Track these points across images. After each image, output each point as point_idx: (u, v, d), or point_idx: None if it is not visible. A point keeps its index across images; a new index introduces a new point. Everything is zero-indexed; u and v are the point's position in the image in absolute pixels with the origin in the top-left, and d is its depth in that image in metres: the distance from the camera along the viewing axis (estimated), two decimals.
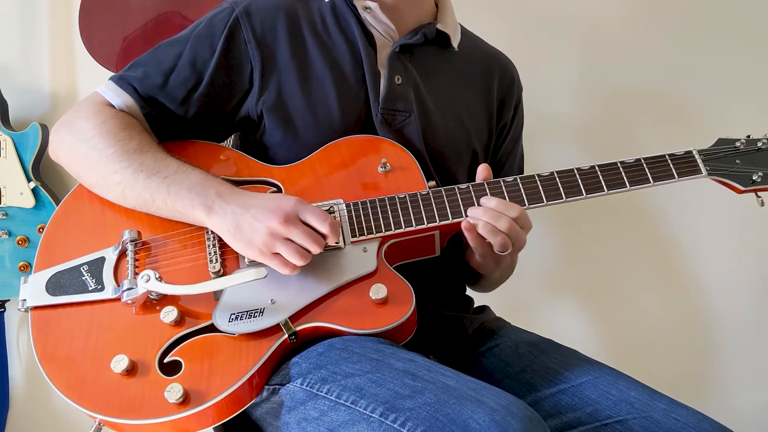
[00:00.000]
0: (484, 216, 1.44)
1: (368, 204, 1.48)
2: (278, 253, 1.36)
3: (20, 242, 2.47)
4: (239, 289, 1.38)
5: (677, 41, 2.57)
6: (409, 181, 1.52)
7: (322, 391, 1.28)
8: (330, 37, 1.63)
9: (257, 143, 1.63)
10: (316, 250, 1.36)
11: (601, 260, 2.65)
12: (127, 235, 1.45)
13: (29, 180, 2.47)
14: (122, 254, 1.45)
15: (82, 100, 1.59)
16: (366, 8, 1.62)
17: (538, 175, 1.50)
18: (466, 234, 1.46)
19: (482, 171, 1.53)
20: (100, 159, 1.47)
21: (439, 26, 1.69)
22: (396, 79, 1.61)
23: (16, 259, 2.47)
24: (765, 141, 1.53)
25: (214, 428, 1.51)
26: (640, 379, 1.47)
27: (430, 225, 1.46)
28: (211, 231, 1.44)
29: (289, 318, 1.36)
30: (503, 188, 1.49)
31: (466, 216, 1.47)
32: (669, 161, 1.50)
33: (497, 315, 1.81)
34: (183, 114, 1.58)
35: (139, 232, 1.46)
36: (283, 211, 1.35)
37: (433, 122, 1.66)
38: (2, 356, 2.64)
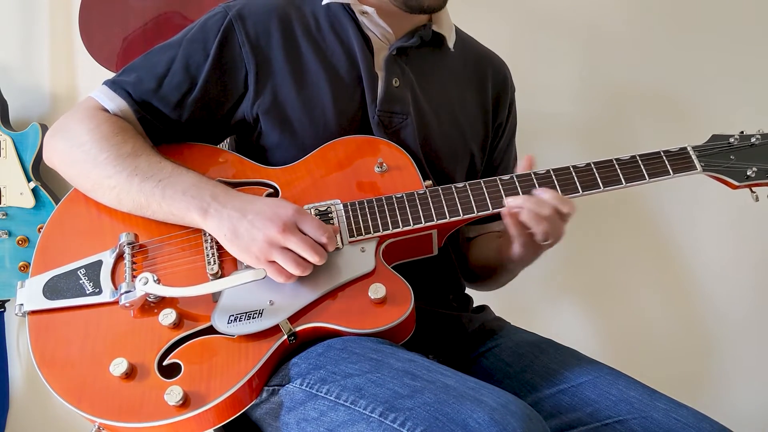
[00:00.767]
0: (527, 203, 1.44)
1: (365, 204, 1.48)
2: (274, 261, 1.36)
3: (20, 242, 2.47)
4: (238, 291, 1.38)
5: (677, 41, 2.57)
6: (405, 181, 1.53)
7: (321, 392, 1.28)
8: (324, 39, 1.63)
9: (253, 145, 1.63)
10: (313, 258, 1.35)
11: (601, 260, 2.66)
12: (124, 238, 1.44)
13: (29, 180, 2.47)
14: (119, 257, 1.45)
15: (76, 105, 1.59)
16: (363, 12, 1.62)
17: (535, 173, 1.50)
18: (506, 221, 1.47)
19: (526, 161, 1.53)
20: (95, 164, 1.47)
21: (434, 28, 1.69)
22: (393, 82, 1.61)
23: (16, 259, 2.48)
24: (758, 137, 1.53)
25: (214, 430, 1.52)
26: (639, 379, 1.47)
27: (428, 224, 1.46)
28: (209, 233, 1.44)
29: (288, 319, 1.36)
30: (500, 186, 1.49)
31: (464, 214, 1.47)
32: (664, 157, 1.51)
33: (497, 315, 1.81)
34: (177, 118, 1.57)
35: (136, 235, 1.46)
36: (281, 219, 1.35)
37: (429, 124, 1.66)
38: (2, 357, 2.64)
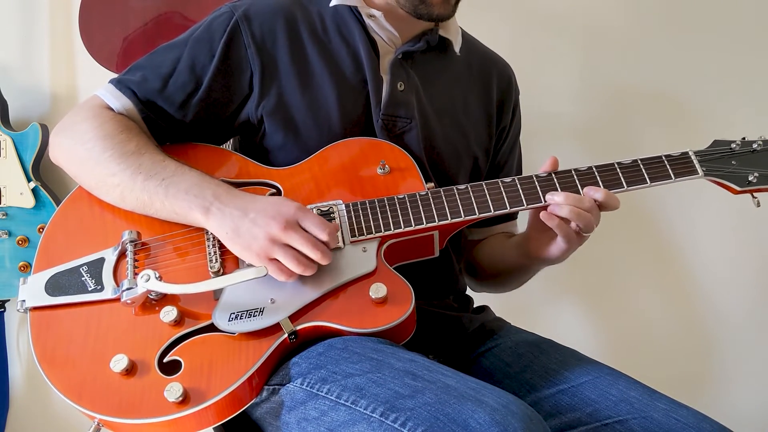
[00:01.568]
0: (568, 200, 1.46)
1: (367, 204, 1.48)
2: (276, 259, 1.36)
3: (20, 242, 2.47)
4: (239, 289, 1.38)
5: (677, 42, 2.57)
6: (407, 183, 1.53)
7: (322, 391, 1.29)
8: (330, 41, 1.63)
9: (257, 146, 1.63)
10: (315, 255, 1.36)
11: (601, 261, 2.65)
12: (126, 236, 1.45)
13: (29, 180, 2.47)
14: (122, 255, 1.45)
15: (81, 102, 1.60)
16: (370, 16, 1.63)
17: (536, 176, 1.51)
18: (549, 222, 1.47)
19: (551, 163, 1.54)
20: (99, 161, 1.47)
21: (441, 32, 1.69)
22: (398, 86, 1.62)
23: (16, 259, 2.48)
24: (760, 143, 1.54)
25: (214, 428, 1.52)
26: (639, 380, 1.48)
27: (429, 225, 1.47)
28: (211, 232, 1.44)
29: (289, 317, 1.37)
30: (501, 188, 1.50)
31: (465, 216, 1.48)
32: (666, 162, 1.51)
33: (497, 315, 1.82)
34: (181, 118, 1.58)
35: (138, 233, 1.46)
36: (283, 217, 1.36)
37: (433, 128, 1.67)
38: (2, 356, 2.64)
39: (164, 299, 1.39)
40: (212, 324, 1.37)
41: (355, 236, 1.45)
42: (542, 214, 1.48)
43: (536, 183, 1.50)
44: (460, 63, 1.76)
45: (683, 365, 2.68)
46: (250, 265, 1.39)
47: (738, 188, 1.52)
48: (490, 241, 1.86)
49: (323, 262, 1.37)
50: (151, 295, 1.38)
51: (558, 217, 1.47)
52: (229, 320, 1.36)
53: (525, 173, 1.54)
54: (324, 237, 1.37)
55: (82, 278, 1.43)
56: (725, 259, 2.63)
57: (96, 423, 1.32)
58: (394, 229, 1.46)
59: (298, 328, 1.37)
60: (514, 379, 1.55)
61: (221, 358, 1.33)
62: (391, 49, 1.66)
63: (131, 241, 1.45)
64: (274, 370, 1.39)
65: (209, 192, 1.42)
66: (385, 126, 1.60)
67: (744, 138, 1.55)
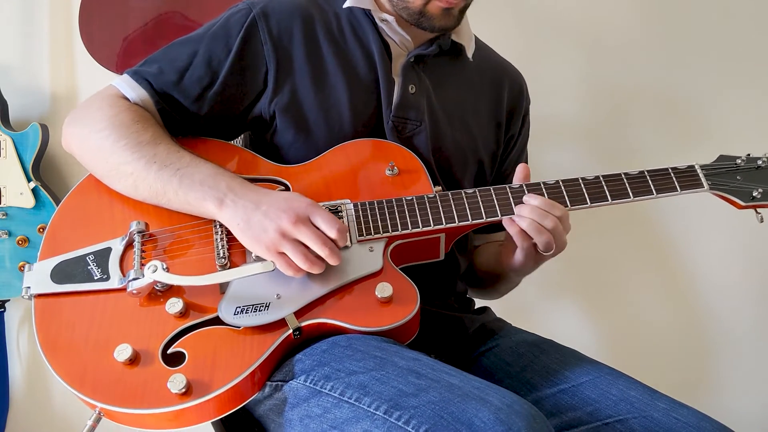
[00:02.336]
0: (532, 214, 1.46)
1: (375, 204, 1.49)
2: (284, 253, 1.36)
3: (20, 242, 2.46)
4: (245, 283, 1.38)
5: (680, 43, 2.60)
6: (416, 185, 1.54)
7: (325, 388, 1.28)
8: (345, 42, 1.65)
9: (267, 143, 1.64)
10: (323, 252, 1.36)
11: (602, 262, 2.66)
12: (134, 226, 1.45)
13: (29, 180, 2.46)
14: (129, 245, 1.45)
15: (97, 92, 1.60)
16: (383, 20, 1.65)
17: (544, 183, 1.52)
18: (510, 230, 1.48)
19: (521, 170, 1.55)
20: (113, 150, 1.47)
21: (453, 37, 1.71)
22: (410, 89, 1.63)
23: (16, 259, 2.47)
24: (765, 159, 1.56)
25: (214, 425, 1.52)
26: (640, 380, 1.48)
27: (437, 227, 1.47)
28: (219, 224, 1.45)
29: (294, 313, 1.37)
30: (509, 194, 1.51)
31: (472, 219, 1.49)
32: (672, 174, 1.53)
33: (498, 316, 1.83)
34: (196, 111, 1.59)
35: (146, 224, 1.47)
36: (295, 211, 1.36)
37: (442, 132, 1.68)
38: (2, 356, 2.62)
39: (170, 290, 1.39)
40: (217, 317, 1.37)
41: (362, 235, 1.46)
42: (504, 220, 1.49)
43: (544, 191, 1.51)
44: (472, 69, 1.78)
45: (683, 365, 2.68)
46: (257, 260, 1.40)
47: (742, 203, 1.54)
48: (484, 248, 1.87)
49: (331, 261, 1.37)
50: (157, 286, 1.38)
51: (519, 226, 1.48)
52: (234, 314, 1.36)
53: (531, 180, 1.54)
54: (333, 234, 1.37)
55: (89, 267, 1.42)
56: (726, 259, 2.65)
57: (97, 412, 1.32)
58: (402, 230, 1.46)
59: (303, 324, 1.37)
60: (515, 379, 1.55)
61: (225, 352, 1.33)
62: (404, 52, 1.67)
63: (139, 232, 1.45)
64: (277, 366, 1.39)
65: (224, 184, 1.42)
66: (395, 128, 1.61)
67: (749, 154, 1.57)
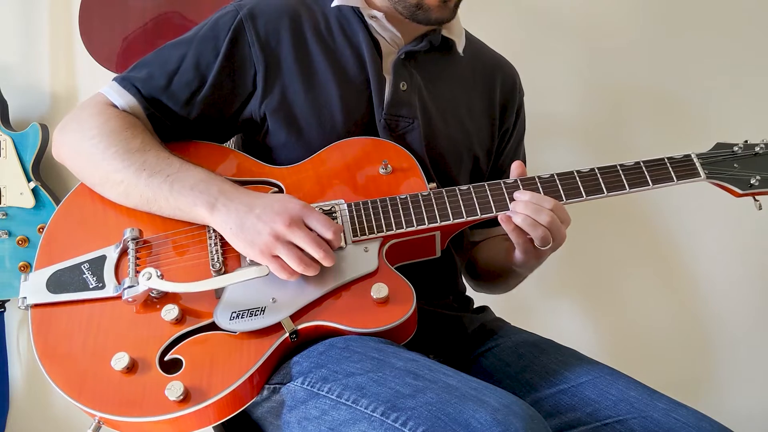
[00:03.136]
0: (525, 209, 1.45)
1: (369, 204, 1.48)
2: (278, 256, 1.36)
3: (20, 242, 2.47)
4: (241, 287, 1.38)
5: (678, 41, 2.58)
6: (410, 183, 1.53)
7: (323, 390, 1.28)
8: (334, 41, 1.64)
9: (260, 144, 1.63)
10: (318, 254, 1.35)
11: (602, 261, 2.66)
12: (128, 234, 1.45)
13: (29, 180, 2.47)
14: (123, 253, 1.45)
15: (86, 100, 1.60)
16: (372, 17, 1.63)
17: (539, 177, 1.51)
18: (505, 227, 1.47)
19: (516, 168, 1.53)
20: (103, 158, 1.47)
21: (444, 33, 1.70)
22: (401, 86, 1.62)
23: (16, 259, 2.48)
24: (763, 146, 1.54)
25: (214, 428, 1.52)
26: (639, 380, 1.48)
27: (431, 225, 1.47)
28: (213, 229, 1.44)
29: (290, 316, 1.36)
30: (503, 189, 1.50)
31: (467, 216, 1.48)
32: (668, 164, 1.51)
33: (497, 315, 1.82)
34: (186, 115, 1.58)
35: (140, 231, 1.46)
36: (289, 214, 1.36)
37: (435, 128, 1.67)
38: (2, 356, 2.64)
39: (166, 297, 1.39)
40: (213, 323, 1.36)
41: (357, 236, 1.45)
42: (500, 217, 1.48)
43: (539, 185, 1.50)
44: (464, 64, 1.77)
45: (683, 366, 2.68)
46: (252, 264, 1.39)
47: (740, 191, 1.52)
48: (488, 242, 1.86)
49: (326, 262, 1.37)
50: (153, 293, 1.38)
51: (513, 223, 1.47)
52: (230, 319, 1.36)
53: (528, 174, 1.53)
54: (329, 235, 1.37)
55: (84, 275, 1.42)
56: (726, 259, 2.63)
57: (96, 421, 1.32)
58: (396, 229, 1.46)
59: (300, 327, 1.36)
60: (514, 379, 1.55)
61: (222, 357, 1.33)
62: (394, 50, 1.66)
63: (133, 239, 1.45)
64: (275, 368, 1.39)
65: (215, 188, 1.42)
66: (387, 126, 1.60)
67: (746, 141, 1.56)
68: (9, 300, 2.60)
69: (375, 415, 1.19)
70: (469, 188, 1.51)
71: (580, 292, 2.73)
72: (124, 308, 1.39)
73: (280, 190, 1.53)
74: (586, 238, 2.57)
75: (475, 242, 1.88)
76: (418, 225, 1.46)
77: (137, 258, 1.44)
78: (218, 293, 1.39)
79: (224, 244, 1.43)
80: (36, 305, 1.41)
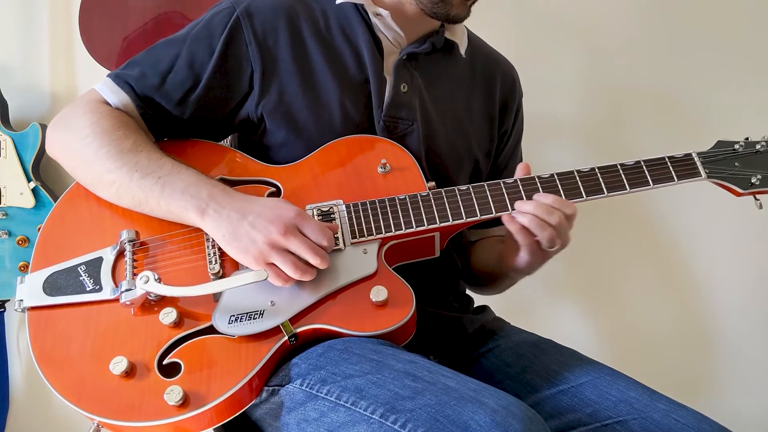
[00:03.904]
0: (536, 210, 1.43)
1: (368, 205, 1.47)
2: (273, 264, 1.35)
3: (20, 242, 2.47)
4: (239, 291, 1.37)
5: (678, 41, 2.57)
6: (408, 182, 1.52)
7: (321, 392, 1.28)
8: (333, 40, 1.62)
9: (257, 144, 1.62)
10: (314, 260, 1.35)
11: (602, 261, 2.66)
12: (125, 235, 1.44)
13: (29, 180, 2.47)
14: (120, 254, 1.44)
15: (79, 96, 1.59)
16: (377, 14, 1.62)
17: (539, 177, 1.50)
18: (510, 227, 1.46)
19: (521, 169, 1.53)
20: (95, 158, 1.46)
21: (447, 35, 1.69)
22: (402, 87, 1.61)
23: (16, 259, 2.47)
24: (764, 143, 1.53)
25: (214, 429, 1.51)
26: (640, 380, 1.47)
27: (431, 226, 1.46)
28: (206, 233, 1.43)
29: (289, 320, 1.36)
30: (503, 189, 1.49)
31: (466, 217, 1.47)
32: (669, 164, 1.50)
33: (497, 315, 1.81)
34: (179, 115, 1.57)
35: (137, 232, 1.45)
36: (283, 221, 1.34)
37: (435, 130, 1.65)
38: (2, 356, 2.63)
39: (163, 300, 1.38)
40: (212, 326, 1.36)
41: (355, 237, 1.44)
42: (503, 217, 1.47)
43: (538, 185, 1.49)
44: (464, 65, 1.75)
45: (684, 366, 2.68)
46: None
47: (741, 190, 1.51)
48: (482, 244, 1.85)
49: (322, 266, 1.36)
50: (151, 296, 1.37)
51: (518, 223, 1.46)
52: (228, 323, 1.35)
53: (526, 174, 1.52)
54: (324, 243, 1.36)
55: (80, 278, 1.42)
56: (726, 258, 2.63)
57: (95, 424, 1.32)
58: (395, 230, 1.45)
59: (298, 330, 1.36)
60: (515, 380, 1.55)
61: (221, 361, 1.33)
62: (396, 50, 1.65)
63: (130, 241, 1.44)
64: (273, 371, 1.38)
65: (205, 192, 1.40)
66: (386, 127, 1.59)
67: (747, 138, 1.55)
68: (9, 300, 2.59)
69: (374, 417, 1.18)
70: (468, 188, 1.50)
71: (581, 292, 2.73)
72: (122, 311, 1.38)
73: (278, 190, 1.52)
74: (587, 237, 2.56)
75: (471, 242, 1.87)
76: (417, 226, 1.46)
77: (134, 260, 1.43)
78: (216, 296, 1.38)
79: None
80: (32, 308, 1.41)
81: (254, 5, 1.59)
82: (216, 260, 1.41)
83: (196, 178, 1.43)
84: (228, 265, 1.42)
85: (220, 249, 1.43)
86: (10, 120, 2.55)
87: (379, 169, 1.53)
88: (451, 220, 1.47)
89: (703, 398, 2.66)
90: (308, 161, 1.56)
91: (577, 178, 1.49)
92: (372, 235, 1.44)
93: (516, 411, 1.14)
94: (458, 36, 1.71)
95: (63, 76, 2.66)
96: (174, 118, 1.57)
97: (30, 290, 1.42)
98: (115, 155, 1.45)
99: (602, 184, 1.49)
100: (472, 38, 1.82)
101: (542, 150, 2.49)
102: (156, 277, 1.35)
